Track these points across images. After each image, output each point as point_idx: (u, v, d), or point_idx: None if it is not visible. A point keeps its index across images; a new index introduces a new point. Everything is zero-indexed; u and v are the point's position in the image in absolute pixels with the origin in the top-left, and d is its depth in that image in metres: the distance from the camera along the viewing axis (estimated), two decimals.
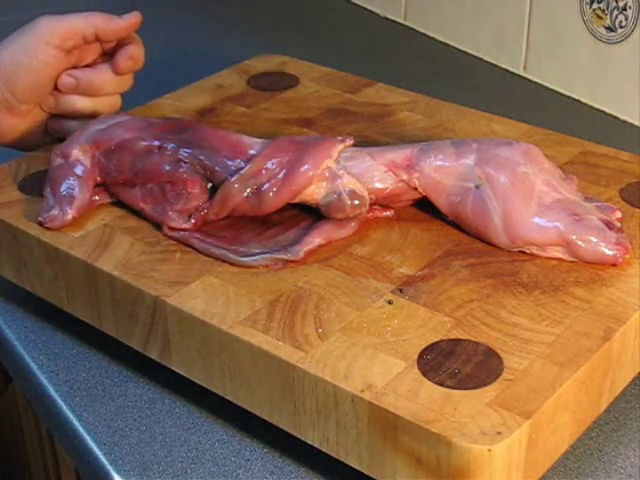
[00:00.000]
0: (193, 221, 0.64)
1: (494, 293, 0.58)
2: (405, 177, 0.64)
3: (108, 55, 0.78)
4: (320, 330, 0.56)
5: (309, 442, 0.55)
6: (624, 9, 0.93)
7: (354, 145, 0.66)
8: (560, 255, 0.61)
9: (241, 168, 0.64)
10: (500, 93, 1.04)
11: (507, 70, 1.08)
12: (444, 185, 0.64)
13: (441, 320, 0.56)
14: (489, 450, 0.47)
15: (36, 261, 0.66)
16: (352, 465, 0.53)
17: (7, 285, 0.71)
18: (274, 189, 0.64)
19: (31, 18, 0.77)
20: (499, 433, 0.48)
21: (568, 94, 1.02)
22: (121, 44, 0.77)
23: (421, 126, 0.78)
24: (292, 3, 1.33)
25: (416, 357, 0.53)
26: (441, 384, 0.51)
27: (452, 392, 0.51)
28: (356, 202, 0.63)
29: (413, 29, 1.20)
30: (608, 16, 0.95)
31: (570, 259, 0.61)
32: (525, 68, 1.06)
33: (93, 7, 1.27)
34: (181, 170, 0.65)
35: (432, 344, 0.54)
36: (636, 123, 0.96)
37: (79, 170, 0.68)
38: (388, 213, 0.66)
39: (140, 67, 0.78)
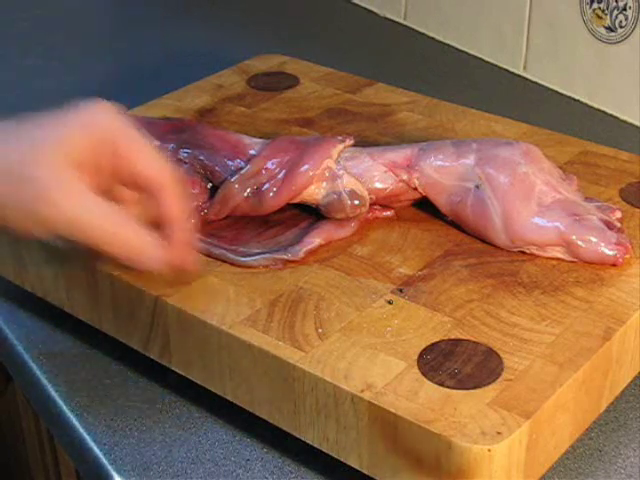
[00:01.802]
0: (193, 221, 0.64)
1: (494, 293, 0.58)
2: (405, 177, 0.64)
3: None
4: (320, 330, 0.56)
5: (309, 442, 0.55)
6: (624, 9, 0.93)
7: (354, 145, 0.66)
8: (560, 255, 0.61)
9: (241, 168, 0.64)
10: (500, 93, 1.04)
11: (507, 70, 1.08)
12: (444, 185, 0.64)
13: (441, 320, 0.56)
14: (489, 450, 0.47)
15: (36, 261, 0.66)
16: (352, 465, 0.53)
17: (7, 285, 0.71)
18: (274, 189, 0.64)
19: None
20: (499, 433, 0.48)
21: (568, 94, 1.02)
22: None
23: (421, 126, 0.78)
24: (292, 3, 1.33)
25: (416, 357, 0.53)
26: (441, 384, 0.51)
27: (452, 392, 0.51)
28: (356, 202, 0.63)
29: (413, 29, 1.20)
30: (608, 16, 0.95)
31: (570, 259, 0.61)
32: (525, 68, 1.06)
33: (92, 7, 1.27)
34: (181, 170, 0.65)
35: (432, 344, 0.54)
36: (636, 123, 0.95)
37: None
38: (388, 213, 0.66)
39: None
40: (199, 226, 0.64)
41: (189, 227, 0.58)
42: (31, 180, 0.53)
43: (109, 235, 0.55)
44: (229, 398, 0.58)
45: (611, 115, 0.98)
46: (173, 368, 0.61)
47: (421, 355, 0.53)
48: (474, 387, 0.51)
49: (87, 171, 0.54)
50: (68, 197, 0.53)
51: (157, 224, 0.57)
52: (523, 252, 0.62)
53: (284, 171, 0.64)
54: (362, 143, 0.69)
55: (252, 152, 0.65)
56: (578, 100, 1.01)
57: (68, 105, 0.56)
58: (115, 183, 0.57)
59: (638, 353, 0.58)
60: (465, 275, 0.60)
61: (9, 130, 0.55)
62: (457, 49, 1.14)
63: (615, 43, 0.95)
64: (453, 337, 0.55)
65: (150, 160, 0.56)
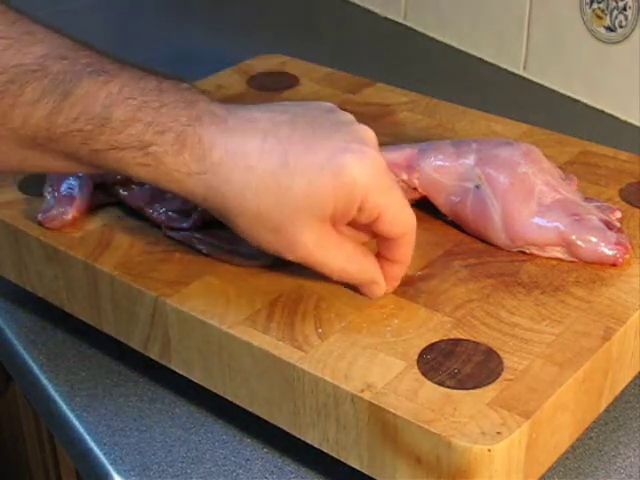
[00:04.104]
0: (193, 221, 0.64)
1: (494, 293, 0.58)
2: (405, 177, 0.64)
3: None
4: (320, 330, 0.56)
5: (309, 442, 0.55)
6: (624, 9, 0.93)
7: None
8: (560, 255, 0.61)
9: None
10: (500, 93, 1.04)
11: (507, 70, 1.08)
12: (444, 185, 0.64)
13: (441, 320, 0.56)
14: (489, 450, 0.47)
15: (36, 261, 0.66)
16: (352, 465, 0.53)
17: (7, 285, 0.71)
18: None
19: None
20: (499, 433, 0.48)
21: (568, 94, 1.02)
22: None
23: (421, 126, 0.78)
24: (292, 3, 1.33)
25: (416, 357, 0.53)
26: (441, 384, 0.51)
27: (452, 392, 0.51)
28: None
29: (413, 29, 1.20)
30: (608, 16, 0.95)
31: (570, 259, 0.61)
32: (525, 68, 1.06)
33: (93, 7, 1.26)
34: None
35: (432, 344, 0.54)
36: (636, 123, 0.96)
37: None
38: None
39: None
40: (199, 226, 0.64)
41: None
42: (283, 230, 0.54)
43: (348, 274, 0.57)
44: (229, 398, 0.58)
45: (611, 115, 0.98)
46: (173, 368, 0.61)
47: (421, 355, 0.53)
48: (474, 387, 0.51)
49: (333, 219, 0.54)
50: (320, 250, 0.55)
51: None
52: (523, 252, 0.62)
53: None
54: None
55: None
56: (578, 100, 1.01)
57: (328, 142, 0.53)
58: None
59: (638, 353, 0.58)
60: (465, 275, 0.60)
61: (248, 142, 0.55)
62: (457, 49, 1.14)
63: (615, 43, 0.95)
64: (453, 337, 0.55)
65: (396, 215, 0.55)
